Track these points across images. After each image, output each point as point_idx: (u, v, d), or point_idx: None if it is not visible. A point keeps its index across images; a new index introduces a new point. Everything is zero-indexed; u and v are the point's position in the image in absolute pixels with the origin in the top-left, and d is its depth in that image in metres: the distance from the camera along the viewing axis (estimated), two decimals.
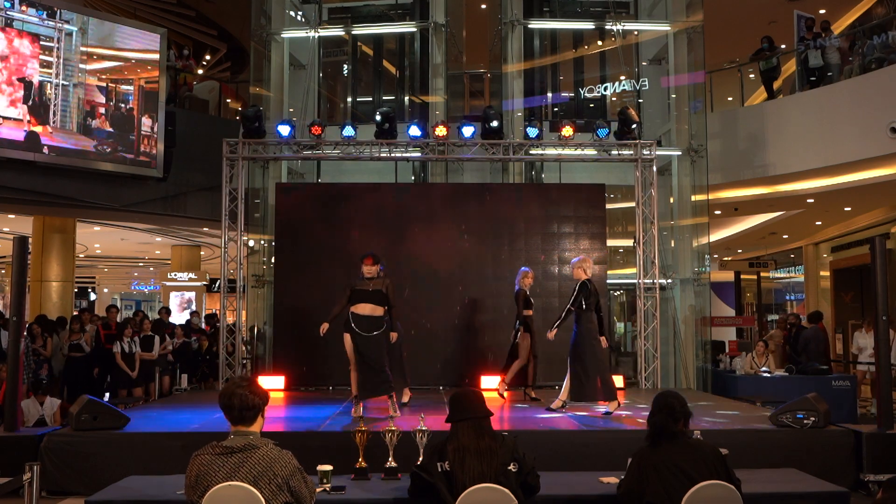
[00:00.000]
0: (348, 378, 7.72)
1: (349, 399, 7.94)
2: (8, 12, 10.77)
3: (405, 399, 8.25)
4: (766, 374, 10.56)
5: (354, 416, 7.21)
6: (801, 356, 11.45)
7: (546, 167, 12.20)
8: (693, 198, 11.67)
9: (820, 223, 16.63)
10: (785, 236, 18.93)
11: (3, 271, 26.48)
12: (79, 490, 5.96)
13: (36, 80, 11.02)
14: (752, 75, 13.90)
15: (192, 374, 12.09)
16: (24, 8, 10.93)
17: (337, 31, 13.12)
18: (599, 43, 13.21)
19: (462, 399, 3.81)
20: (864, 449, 6.33)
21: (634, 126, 10.44)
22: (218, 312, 16.85)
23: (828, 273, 18.12)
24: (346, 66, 13.92)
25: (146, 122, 11.99)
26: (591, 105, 13.28)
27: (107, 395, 10.34)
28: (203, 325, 14.03)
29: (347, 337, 7.46)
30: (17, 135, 10.79)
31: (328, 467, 4.49)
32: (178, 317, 17.88)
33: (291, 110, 12.52)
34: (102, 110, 11.64)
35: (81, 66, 11.48)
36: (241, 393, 3.14)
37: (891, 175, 11.19)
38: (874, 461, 6.31)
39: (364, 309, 7.38)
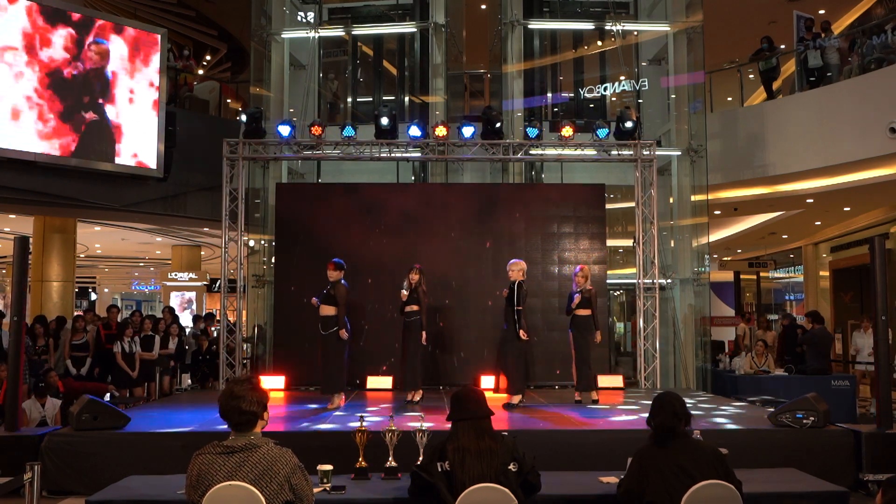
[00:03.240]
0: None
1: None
2: None
3: (417, 398, 8.49)
4: (765, 374, 10.58)
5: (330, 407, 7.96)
6: (804, 353, 11.43)
7: (546, 167, 12.21)
8: (693, 198, 11.69)
9: (819, 223, 16.64)
10: (785, 236, 18.94)
11: (3, 271, 26.48)
12: (79, 490, 5.97)
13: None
14: (751, 75, 13.90)
15: (192, 374, 12.08)
16: None
17: (337, 32, 13.13)
18: (599, 43, 13.21)
19: (463, 398, 3.81)
20: (864, 449, 6.35)
21: (632, 125, 10.43)
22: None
23: (827, 273, 18.14)
24: (346, 67, 13.92)
25: None
26: (591, 105, 13.28)
27: (107, 394, 10.34)
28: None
29: None
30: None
31: (328, 467, 4.49)
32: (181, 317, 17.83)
33: (291, 110, 12.52)
34: None
35: None
36: (237, 406, 3.10)
37: (890, 175, 11.20)
38: (874, 461, 6.32)
39: (321, 310, 8.11)
